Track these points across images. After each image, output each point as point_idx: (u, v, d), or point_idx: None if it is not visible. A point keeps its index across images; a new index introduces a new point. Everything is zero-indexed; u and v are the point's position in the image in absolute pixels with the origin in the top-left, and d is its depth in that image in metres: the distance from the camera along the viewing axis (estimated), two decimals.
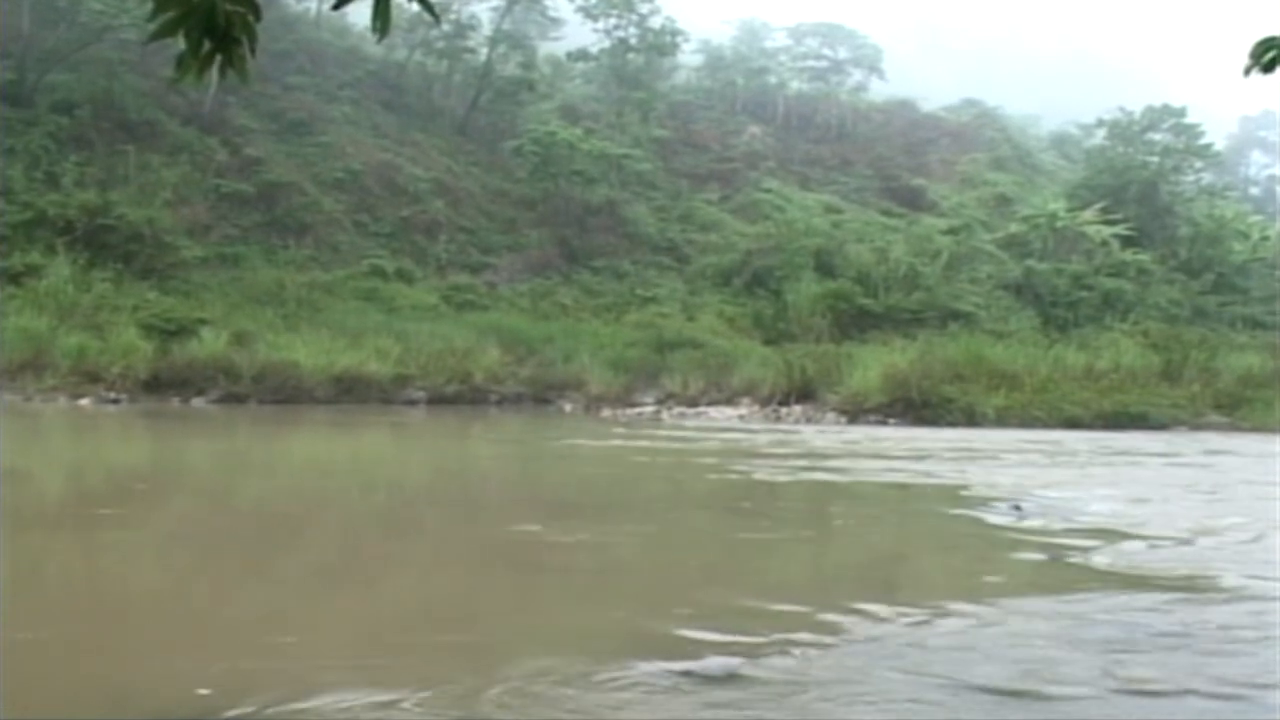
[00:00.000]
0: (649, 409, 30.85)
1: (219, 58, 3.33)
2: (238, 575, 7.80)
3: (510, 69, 54.24)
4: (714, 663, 5.24)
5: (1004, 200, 61.95)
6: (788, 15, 79.39)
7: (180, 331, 30.08)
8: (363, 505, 12.23)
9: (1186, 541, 9.27)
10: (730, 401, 31.05)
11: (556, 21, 58.36)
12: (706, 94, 69.27)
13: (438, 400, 31.44)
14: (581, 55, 56.69)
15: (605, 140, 50.25)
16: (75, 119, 39.70)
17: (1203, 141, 58.17)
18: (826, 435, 22.79)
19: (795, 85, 72.86)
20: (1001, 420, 26.73)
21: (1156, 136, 57.66)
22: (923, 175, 64.86)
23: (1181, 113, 57.50)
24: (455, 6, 52.30)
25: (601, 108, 56.23)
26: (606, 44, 55.20)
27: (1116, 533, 9.58)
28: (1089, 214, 51.97)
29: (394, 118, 51.01)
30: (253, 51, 3.35)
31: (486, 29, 54.21)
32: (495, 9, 54.63)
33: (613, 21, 54.71)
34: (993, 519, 10.49)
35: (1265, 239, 55.60)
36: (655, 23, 54.76)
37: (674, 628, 5.96)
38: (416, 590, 7.59)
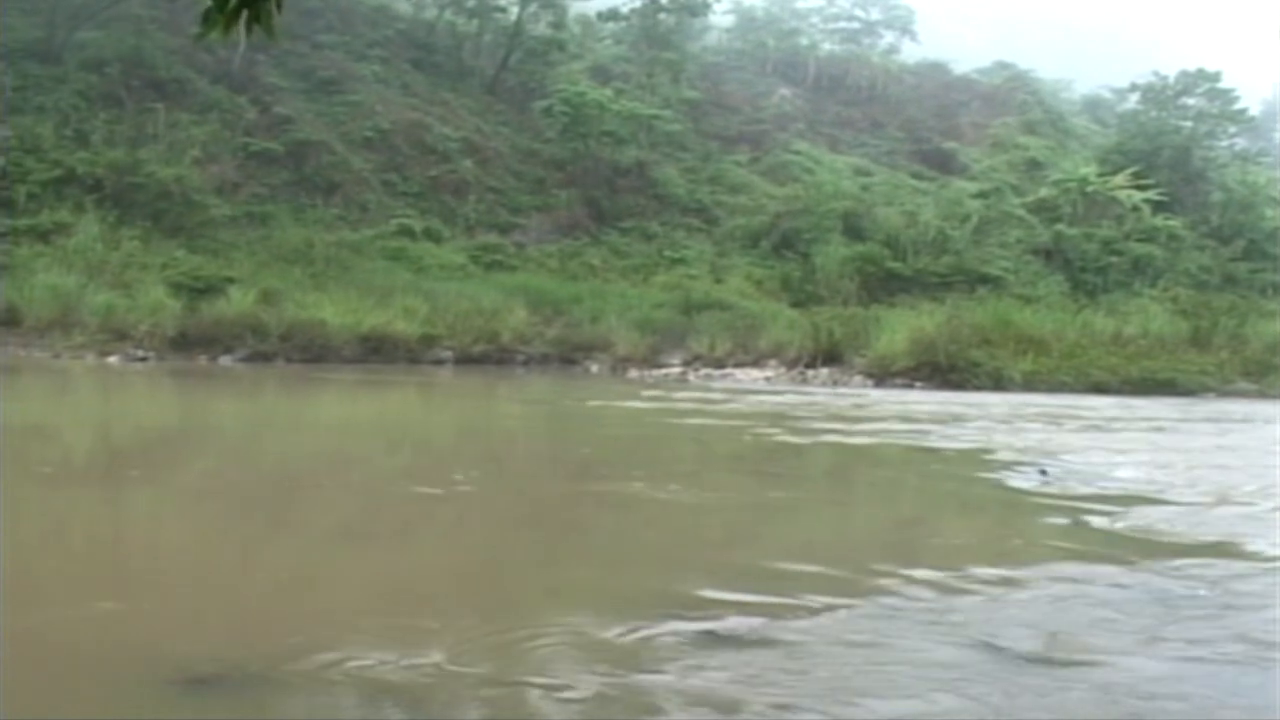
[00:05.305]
0: (675, 370, 30.87)
1: (245, 13, 3.32)
2: (265, 533, 7.86)
3: (541, 28, 53.79)
4: (735, 623, 5.26)
5: (1035, 164, 61.40)
6: None
7: (208, 290, 30.19)
8: (389, 464, 12.28)
9: (1211, 508, 9.24)
10: (757, 363, 31.03)
11: None
12: (737, 55, 68.86)
13: (464, 360, 31.51)
14: (612, 15, 56.25)
15: (635, 101, 49.90)
16: (104, 76, 39.76)
17: (1237, 107, 57.56)
18: (852, 398, 22.76)
19: (826, 47, 72.38)
20: (1029, 385, 26.67)
21: (1190, 101, 57.05)
22: (953, 138, 64.36)
23: (1216, 77, 56.84)
24: None
25: (632, 68, 55.81)
26: (637, 4, 54.71)
27: (1142, 498, 9.55)
28: (1120, 179, 51.46)
29: (423, 77, 50.79)
30: (279, 7, 3.34)
31: None
32: None
33: None
34: (1018, 483, 10.46)
35: None
36: None
37: (696, 588, 5.97)
38: (442, 549, 7.63)
